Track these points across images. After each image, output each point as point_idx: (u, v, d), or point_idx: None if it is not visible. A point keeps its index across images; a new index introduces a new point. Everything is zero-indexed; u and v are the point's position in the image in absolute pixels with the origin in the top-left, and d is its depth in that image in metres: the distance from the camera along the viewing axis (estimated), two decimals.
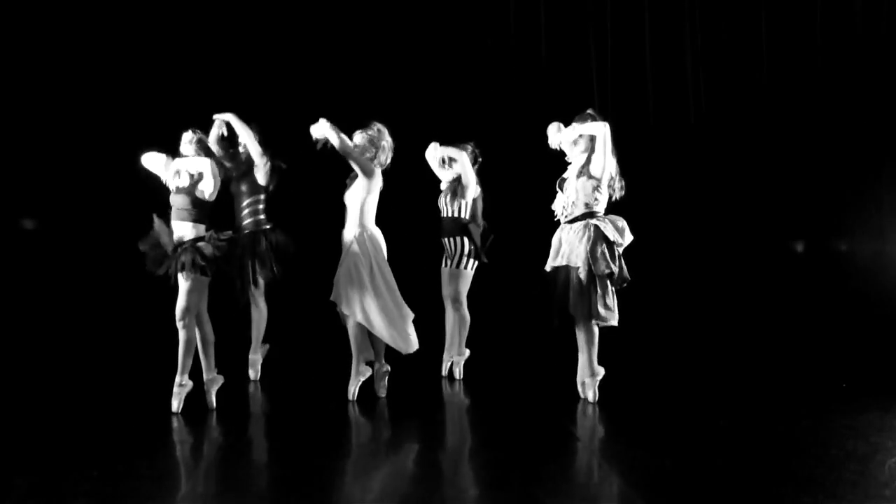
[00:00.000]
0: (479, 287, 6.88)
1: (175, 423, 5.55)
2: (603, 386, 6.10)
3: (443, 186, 6.81)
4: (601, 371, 6.00)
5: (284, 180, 6.67)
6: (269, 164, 6.55)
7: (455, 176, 6.70)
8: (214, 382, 5.88)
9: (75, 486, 4.30)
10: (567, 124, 6.04)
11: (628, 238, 5.90)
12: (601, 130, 5.83)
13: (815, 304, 9.01)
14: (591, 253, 5.78)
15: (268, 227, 6.64)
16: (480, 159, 6.78)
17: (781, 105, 9.36)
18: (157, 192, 5.83)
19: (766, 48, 9.39)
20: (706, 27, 9.44)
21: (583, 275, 5.79)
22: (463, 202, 6.65)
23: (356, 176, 6.09)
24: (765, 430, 5.37)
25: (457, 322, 6.78)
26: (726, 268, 9.27)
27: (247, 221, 6.61)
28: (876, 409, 5.69)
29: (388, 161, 6.19)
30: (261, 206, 6.63)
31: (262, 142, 6.51)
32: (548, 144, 6.10)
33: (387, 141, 6.18)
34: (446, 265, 6.74)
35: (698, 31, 9.45)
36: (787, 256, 9.52)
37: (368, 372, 6.20)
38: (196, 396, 5.79)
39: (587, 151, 5.93)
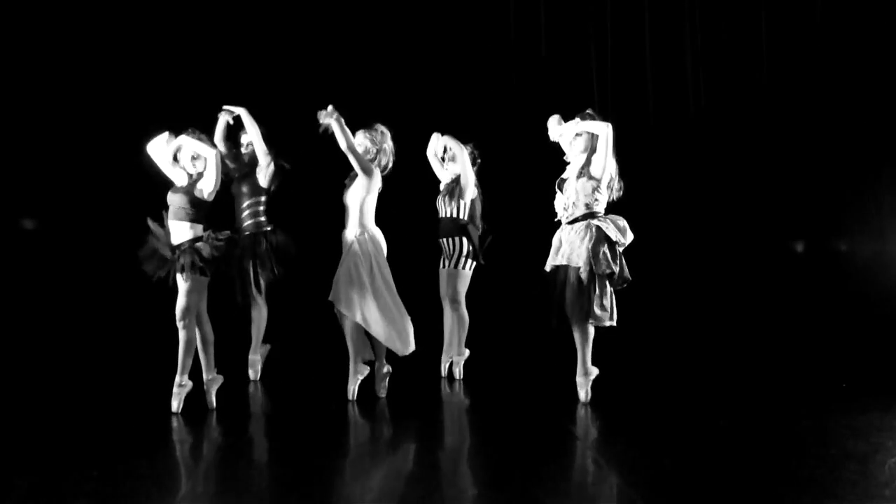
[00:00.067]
0: (479, 287, 6.88)
1: (175, 423, 5.55)
2: (603, 386, 6.10)
3: (441, 187, 6.80)
4: (594, 371, 6.00)
5: (285, 181, 6.67)
6: (272, 164, 6.55)
7: (454, 176, 6.70)
8: (214, 382, 5.88)
9: (75, 486, 4.30)
10: (567, 121, 6.04)
11: (629, 237, 5.89)
12: (604, 130, 5.81)
13: (815, 304, 9.01)
14: (593, 252, 5.78)
15: (268, 228, 6.63)
16: (479, 160, 6.78)
17: (781, 105, 9.37)
18: (157, 192, 5.81)
19: (766, 48, 9.40)
20: (706, 27, 9.44)
21: (584, 274, 5.79)
22: (461, 203, 6.64)
23: (355, 176, 6.09)
24: (765, 430, 5.37)
25: (455, 322, 6.78)
26: (726, 268, 9.27)
27: (247, 223, 6.61)
28: (876, 409, 5.69)
29: (389, 165, 6.19)
30: (261, 208, 6.63)
31: (267, 141, 6.53)
32: (547, 142, 6.09)
33: (388, 144, 6.18)
34: (444, 266, 6.74)
35: (698, 30, 9.45)
36: (787, 256, 9.52)
37: (366, 371, 6.20)
38: (196, 396, 5.79)
39: (586, 151, 5.92)
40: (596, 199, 5.89)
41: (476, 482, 4.61)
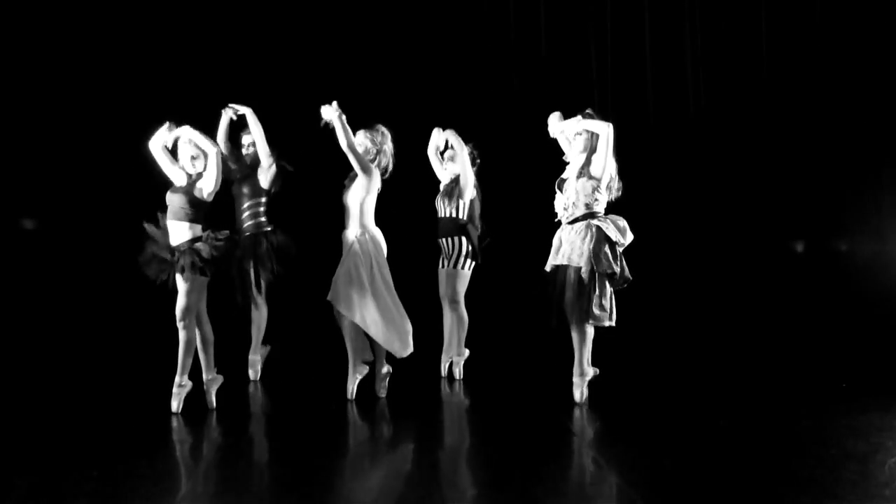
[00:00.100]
0: (479, 287, 6.88)
1: (175, 423, 5.55)
2: (602, 386, 6.11)
3: (441, 187, 6.80)
4: (590, 372, 5.99)
5: (285, 181, 6.67)
6: (274, 166, 6.55)
7: (453, 176, 6.70)
8: (214, 382, 5.88)
9: (75, 486, 4.31)
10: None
11: (629, 238, 5.89)
12: (605, 130, 5.81)
13: (815, 304, 9.01)
14: (595, 252, 5.77)
15: (268, 228, 6.63)
16: (479, 161, 6.78)
17: (782, 105, 9.37)
18: (156, 192, 5.81)
19: (766, 48, 9.40)
20: (706, 27, 9.44)
21: (584, 273, 5.78)
22: (460, 202, 6.64)
23: (355, 176, 6.09)
24: (765, 430, 5.37)
25: (454, 322, 6.78)
26: (726, 268, 9.27)
27: (247, 224, 6.61)
28: (876, 409, 5.69)
29: (389, 167, 6.19)
30: (262, 209, 6.63)
31: (268, 142, 6.53)
32: (547, 143, 6.09)
33: (388, 146, 6.19)
34: (443, 265, 6.73)
35: (698, 30, 9.45)
36: (787, 256, 9.52)
37: (365, 371, 6.20)
38: (196, 396, 5.79)
39: (586, 151, 5.92)
40: (596, 199, 5.88)
41: (476, 482, 4.61)
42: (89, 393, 6.39)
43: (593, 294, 5.81)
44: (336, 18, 9.18)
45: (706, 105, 9.44)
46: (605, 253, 5.79)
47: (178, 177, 5.74)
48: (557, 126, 6.02)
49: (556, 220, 6.02)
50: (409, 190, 6.70)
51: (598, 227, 5.82)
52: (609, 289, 5.88)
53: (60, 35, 8.89)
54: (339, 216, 6.16)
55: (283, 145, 6.63)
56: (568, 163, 6.05)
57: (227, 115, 6.58)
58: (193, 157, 5.68)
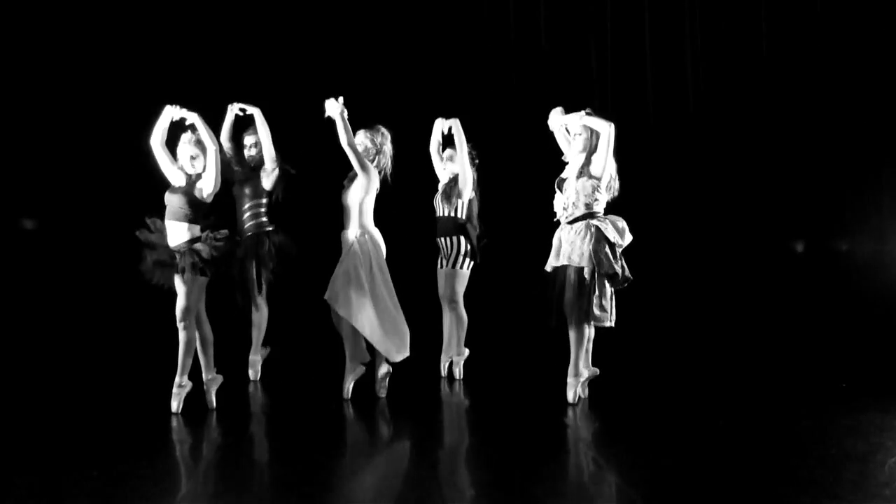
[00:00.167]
0: (479, 287, 6.88)
1: (175, 423, 5.55)
2: (602, 386, 6.11)
3: (439, 186, 6.79)
4: (585, 373, 5.98)
5: (286, 184, 6.66)
6: (277, 168, 6.55)
7: (452, 176, 6.69)
8: (214, 382, 5.88)
9: (75, 486, 4.31)
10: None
11: (628, 239, 5.88)
12: (606, 129, 5.79)
13: (815, 303, 9.01)
14: (595, 253, 5.76)
15: (270, 228, 6.63)
16: (478, 161, 6.77)
17: (782, 105, 9.36)
18: (156, 192, 5.81)
19: (767, 48, 9.39)
20: (706, 26, 9.44)
21: (586, 273, 5.78)
22: (459, 202, 6.63)
23: (354, 176, 6.09)
24: (765, 430, 5.37)
25: (454, 322, 6.77)
26: (726, 267, 9.27)
27: (249, 224, 6.60)
28: (876, 409, 5.70)
29: (388, 168, 6.20)
30: (263, 210, 6.62)
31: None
32: (547, 142, 6.09)
33: (388, 147, 6.20)
34: (442, 265, 6.73)
35: (698, 30, 9.45)
36: (787, 256, 9.52)
37: (362, 371, 6.20)
38: (196, 396, 5.79)
39: (586, 151, 5.91)
40: (596, 199, 5.87)
41: (475, 482, 4.61)
42: (89, 393, 6.39)
43: (593, 295, 5.81)
44: (336, 18, 9.18)
45: (706, 104, 9.44)
46: (606, 253, 5.79)
47: (176, 177, 5.73)
48: (559, 120, 6.01)
49: (555, 219, 6.01)
50: (407, 190, 6.69)
51: (598, 228, 5.81)
52: (609, 289, 5.88)
53: (60, 35, 8.89)
54: (338, 216, 6.16)
55: (283, 145, 6.62)
56: (567, 163, 6.04)
57: (232, 113, 6.58)
58: (193, 157, 5.67)
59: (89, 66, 8.88)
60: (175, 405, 5.67)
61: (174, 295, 5.65)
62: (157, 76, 8.78)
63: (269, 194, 6.62)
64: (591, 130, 5.88)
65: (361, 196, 6.05)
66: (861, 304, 8.88)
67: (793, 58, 9.35)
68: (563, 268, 5.89)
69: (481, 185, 6.77)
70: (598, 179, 5.84)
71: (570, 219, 5.89)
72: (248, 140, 6.66)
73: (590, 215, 5.85)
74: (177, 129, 5.78)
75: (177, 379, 5.68)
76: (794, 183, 9.31)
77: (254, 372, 6.77)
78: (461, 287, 6.71)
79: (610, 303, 5.89)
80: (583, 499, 4.30)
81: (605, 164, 5.81)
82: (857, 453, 4.77)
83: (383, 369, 6.19)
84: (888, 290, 8.88)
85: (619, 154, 5.93)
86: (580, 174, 5.87)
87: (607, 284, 5.86)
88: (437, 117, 6.73)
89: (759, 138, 9.37)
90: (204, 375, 5.83)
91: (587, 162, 5.88)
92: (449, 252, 6.66)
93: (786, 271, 9.37)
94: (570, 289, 5.83)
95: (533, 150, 7.04)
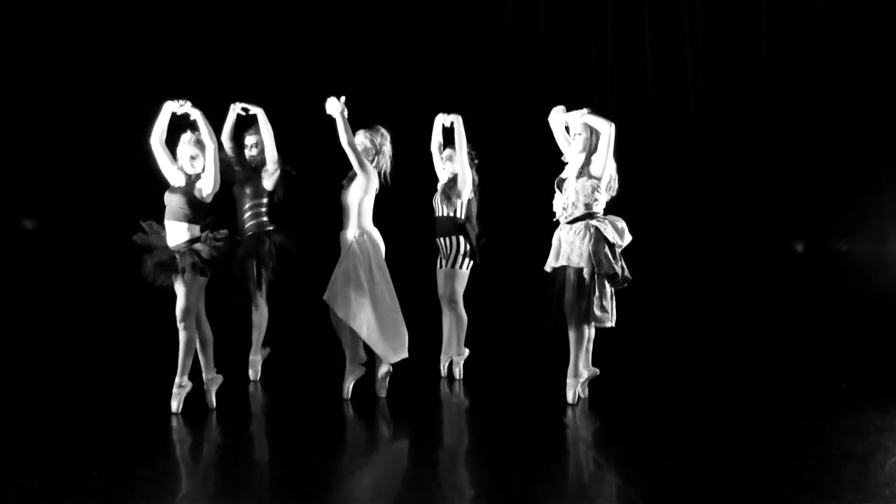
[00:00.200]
0: (478, 287, 6.88)
1: (175, 423, 5.55)
2: (602, 386, 6.11)
3: (438, 186, 6.79)
4: (585, 374, 5.98)
5: (287, 184, 6.66)
6: (279, 169, 6.55)
7: (451, 175, 6.69)
8: (214, 382, 5.88)
9: (75, 486, 4.31)
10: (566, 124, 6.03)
11: (627, 239, 5.88)
12: (607, 129, 5.78)
13: (815, 303, 9.01)
14: (595, 253, 5.76)
15: (270, 228, 6.63)
16: (477, 161, 6.77)
17: (782, 105, 9.36)
18: (156, 192, 5.80)
19: (767, 48, 9.40)
20: (706, 26, 9.44)
21: (586, 274, 5.77)
22: (458, 202, 6.62)
23: (353, 176, 6.09)
24: (765, 430, 5.37)
25: (453, 322, 6.77)
26: (726, 268, 9.27)
27: (250, 224, 6.60)
28: (876, 409, 5.69)
29: (387, 169, 6.20)
30: (263, 209, 6.62)
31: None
32: (546, 143, 6.09)
33: (387, 147, 6.21)
34: (441, 265, 6.73)
35: (698, 30, 9.45)
36: (787, 256, 9.52)
37: (362, 371, 6.20)
38: (196, 396, 5.79)
39: (585, 151, 5.90)
40: (595, 199, 5.86)
41: (475, 482, 4.61)
42: (89, 393, 6.39)
43: (593, 295, 5.80)
44: (334, 17, 9.17)
45: (706, 104, 9.44)
46: (606, 254, 5.79)
47: (175, 177, 5.72)
48: (560, 118, 6.00)
49: (554, 219, 6.01)
50: (407, 190, 6.69)
51: (597, 228, 5.80)
52: (609, 289, 5.88)
53: (60, 35, 8.89)
54: (338, 216, 6.16)
55: (283, 145, 6.62)
56: (567, 163, 6.04)
57: (234, 112, 6.58)
58: (192, 157, 5.66)
59: (90, 65, 8.88)
60: (175, 405, 5.67)
61: (174, 295, 5.65)
62: (157, 76, 8.77)
63: (271, 194, 6.62)
64: (591, 130, 5.87)
65: (360, 196, 6.06)
66: (861, 304, 8.88)
67: (793, 58, 9.35)
68: (563, 268, 5.88)
69: (480, 184, 6.77)
70: (598, 179, 5.84)
71: (570, 219, 5.89)
72: (249, 140, 6.66)
73: (589, 215, 5.85)
74: (177, 129, 5.78)
75: (177, 379, 5.68)
76: (794, 183, 9.32)
77: (254, 372, 6.78)
78: (460, 287, 6.70)
79: (611, 303, 5.89)
80: (583, 499, 4.30)
81: (606, 164, 5.81)
82: (857, 453, 4.77)
83: (383, 369, 6.19)
84: (888, 290, 8.89)
85: (618, 154, 5.92)
86: (580, 174, 5.87)
87: (607, 285, 5.86)
88: (436, 117, 6.73)
89: (758, 138, 9.37)
90: (204, 375, 5.83)
91: (587, 162, 5.87)
92: (448, 252, 6.65)
93: (786, 271, 9.37)
94: (570, 289, 5.83)
95: (533, 149, 7.04)
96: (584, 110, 5.88)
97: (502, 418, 5.74)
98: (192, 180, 5.67)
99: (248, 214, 6.61)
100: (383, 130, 6.23)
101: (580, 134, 5.91)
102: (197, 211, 5.62)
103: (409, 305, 6.21)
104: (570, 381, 5.95)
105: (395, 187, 6.35)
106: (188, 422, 5.56)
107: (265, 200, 6.62)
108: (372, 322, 5.95)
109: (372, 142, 6.17)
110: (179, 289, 5.60)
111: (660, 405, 6.02)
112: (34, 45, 8.88)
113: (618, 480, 4.52)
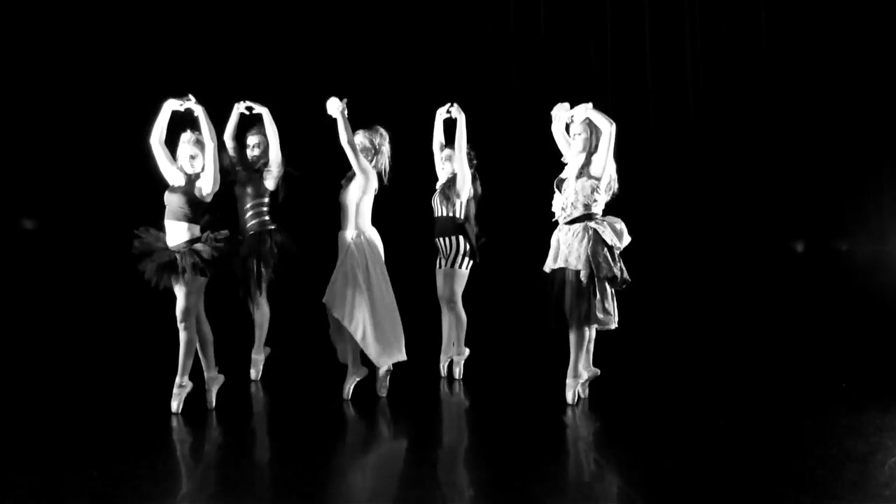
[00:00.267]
0: (478, 287, 6.88)
1: (175, 423, 5.55)
2: (602, 386, 6.11)
3: (437, 186, 6.78)
4: (584, 374, 5.98)
5: (288, 184, 6.66)
6: (282, 170, 6.55)
7: (450, 175, 6.68)
8: (215, 381, 5.88)
9: (75, 486, 4.31)
10: (566, 125, 6.03)
11: (626, 240, 5.87)
12: (608, 128, 5.78)
13: (815, 304, 9.01)
14: (593, 256, 5.75)
15: (272, 227, 6.63)
16: (476, 161, 6.76)
17: (782, 105, 9.37)
18: (156, 192, 5.80)
19: (767, 48, 9.40)
20: (706, 26, 9.45)
21: (583, 277, 5.77)
22: (457, 202, 6.62)
23: (352, 176, 6.09)
24: (765, 430, 5.37)
25: (453, 322, 6.77)
26: (726, 268, 9.27)
27: (251, 223, 6.60)
28: (876, 409, 5.70)
29: (386, 169, 6.20)
30: (265, 209, 6.62)
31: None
32: (546, 143, 6.08)
33: (386, 148, 6.22)
34: (441, 265, 6.72)
35: (698, 30, 9.46)
36: (787, 256, 9.52)
37: (365, 372, 6.20)
38: (196, 396, 5.79)
39: (585, 151, 5.90)
40: (595, 200, 5.85)
41: (475, 481, 4.61)
42: (89, 393, 6.39)
43: (594, 298, 5.79)
44: (334, 16, 9.17)
45: (706, 104, 9.44)
46: (605, 256, 5.77)
47: (174, 177, 5.71)
48: (564, 114, 5.98)
49: (553, 220, 6.00)
50: (406, 190, 6.69)
51: (595, 231, 5.79)
52: (610, 291, 5.87)
53: (61, 34, 8.89)
54: (338, 216, 6.16)
55: (283, 145, 6.61)
56: (566, 163, 6.04)
57: (237, 111, 6.58)
58: (192, 157, 5.65)
59: (90, 65, 8.87)
60: (175, 405, 5.67)
61: (174, 296, 5.64)
62: (157, 76, 8.77)
63: (273, 194, 6.62)
64: (592, 131, 5.87)
65: (359, 196, 6.06)
66: (861, 304, 8.88)
67: (793, 58, 9.35)
68: (562, 270, 5.88)
69: (481, 185, 6.76)
70: (598, 180, 5.83)
71: (569, 219, 5.87)
72: (251, 140, 6.65)
73: (588, 216, 5.84)
74: (177, 128, 5.78)
75: (177, 379, 5.68)
76: (794, 183, 9.32)
77: (255, 371, 6.78)
78: (460, 287, 6.70)
79: (613, 305, 5.88)
80: (583, 498, 4.29)
81: (606, 165, 5.80)
82: (857, 453, 4.77)
83: (383, 369, 6.18)
84: (888, 290, 8.89)
85: (618, 154, 5.92)
86: (580, 174, 5.85)
87: (608, 287, 5.85)
88: (435, 116, 6.72)
89: (758, 138, 9.37)
90: (205, 374, 5.83)
91: (587, 162, 5.86)
92: (448, 252, 6.65)
93: (786, 271, 9.37)
94: (570, 291, 5.82)
95: (533, 149, 7.03)
96: (590, 104, 5.87)
97: (502, 418, 5.74)
98: (191, 180, 5.67)
99: (249, 214, 6.60)
100: (382, 130, 6.23)
101: (580, 134, 5.90)
102: (197, 210, 5.62)
103: (409, 305, 6.21)
104: (569, 381, 5.94)
105: (395, 187, 6.35)
106: (188, 422, 5.56)
107: (267, 200, 6.62)
108: (368, 324, 5.95)
109: (371, 142, 6.17)
110: (179, 289, 5.59)
111: (660, 405, 6.02)
112: (34, 46, 8.87)
113: (618, 480, 4.52)
